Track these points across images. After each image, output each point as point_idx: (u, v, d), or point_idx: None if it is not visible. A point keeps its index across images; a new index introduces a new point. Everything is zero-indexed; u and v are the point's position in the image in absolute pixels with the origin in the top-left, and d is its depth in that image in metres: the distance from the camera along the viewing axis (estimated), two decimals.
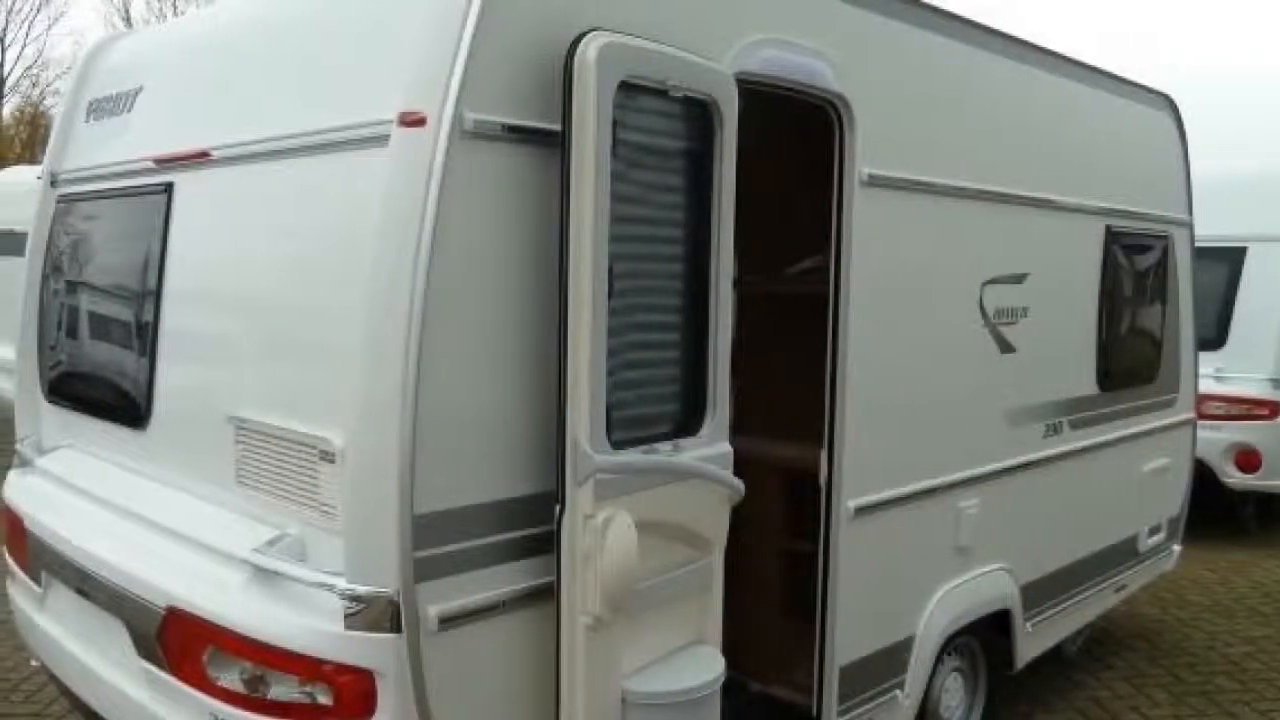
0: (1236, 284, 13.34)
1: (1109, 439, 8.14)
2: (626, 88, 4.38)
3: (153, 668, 4.90)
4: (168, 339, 5.51)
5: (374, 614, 4.09)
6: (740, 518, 5.24)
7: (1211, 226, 11.12)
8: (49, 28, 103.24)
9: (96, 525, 5.52)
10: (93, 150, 6.32)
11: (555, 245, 4.33)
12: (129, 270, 5.81)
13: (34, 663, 6.36)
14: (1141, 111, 8.55)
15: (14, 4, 66.76)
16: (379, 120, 4.22)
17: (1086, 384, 7.89)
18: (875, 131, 5.77)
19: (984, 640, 7.20)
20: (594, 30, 4.30)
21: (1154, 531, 9.05)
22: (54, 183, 6.60)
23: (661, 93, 4.56)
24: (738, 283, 5.12)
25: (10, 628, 6.54)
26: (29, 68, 72.23)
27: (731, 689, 5.13)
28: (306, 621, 4.25)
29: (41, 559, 5.89)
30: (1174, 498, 9.39)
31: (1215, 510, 12.72)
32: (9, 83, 67.02)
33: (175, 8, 59.19)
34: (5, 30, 65.81)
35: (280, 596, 4.39)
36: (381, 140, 4.19)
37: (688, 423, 4.95)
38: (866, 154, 5.72)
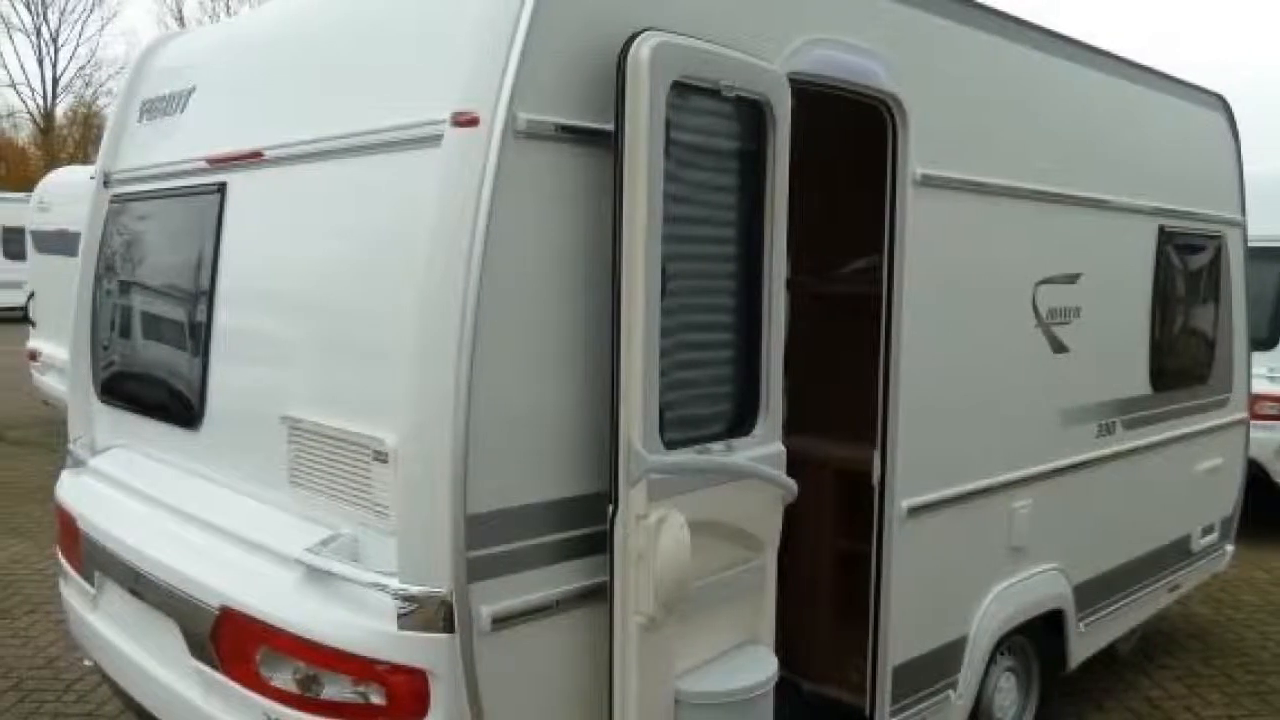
0: None
1: (1162, 439, 8.10)
2: (679, 87, 4.36)
3: (206, 668, 4.91)
4: (221, 339, 5.53)
5: (427, 614, 4.08)
6: (793, 517, 5.22)
7: (1265, 227, 11.04)
8: (102, 28, 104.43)
9: (149, 525, 5.54)
10: (146, 150, 6.35)
11: (608, 245, 4.32)
12: (182, 270, 5.84)
13: (87, 663, 6.37)
14: (1195, 112, 8.50)
15: (67, 4, 67.39)
16: (432, 120, 4.22)
17: (1139, 384, 7.84)
18: (928, 131, 5.75)
19: (1037, 640, 7.16)
20: (647, 30, 4.29)
21: (1207, 531, 9.00)
22: (107, 183, 6.63)
23: (714, 93, 4.55)
24: (790, 282, 5.11)
25: (63, 628, 6.55)
26: (82, 68, 72.98)
27: (784, 689, 5.11)
28: (360, 621, 4.25)
29: (94, 559, 5.91)
30: (1227, 498, 9.34)
31: (1268, 511, 12.63)
32: (62, 82, 67.71)
33: (228, 8, 59.65)
34: (58, 30, 66.45)
35: (333, 596, 4.39)
36: (435, 140, 4.19)
37: (741, 422, 4.93)
38: (919, 154, 5.69)
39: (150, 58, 6.67)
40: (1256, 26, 78.04)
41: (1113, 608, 7.78)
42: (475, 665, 4.11)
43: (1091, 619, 7.49)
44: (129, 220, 6.44)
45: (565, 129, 4.25)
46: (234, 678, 4.74)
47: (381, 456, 4.40)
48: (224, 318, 5.52)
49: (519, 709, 4.32)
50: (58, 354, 15.03)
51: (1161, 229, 7.93)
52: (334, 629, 4.30)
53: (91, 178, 6.82)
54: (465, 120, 4.08)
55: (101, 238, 6.63)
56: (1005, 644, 6.74)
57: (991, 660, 6.59)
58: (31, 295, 18.47)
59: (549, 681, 4.42)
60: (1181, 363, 8.40)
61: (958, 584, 6.32)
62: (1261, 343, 12.36)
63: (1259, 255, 10.50)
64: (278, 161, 5.26)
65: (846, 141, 6.16)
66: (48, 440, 17.52)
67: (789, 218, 4.96)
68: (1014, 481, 6.57)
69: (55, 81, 68.14)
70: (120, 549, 5.58)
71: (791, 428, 5.21)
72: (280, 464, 4.99)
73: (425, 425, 4.07)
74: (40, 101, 68.19)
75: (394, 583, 4.14)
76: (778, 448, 5.04)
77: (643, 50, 4.21)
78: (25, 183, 41.64)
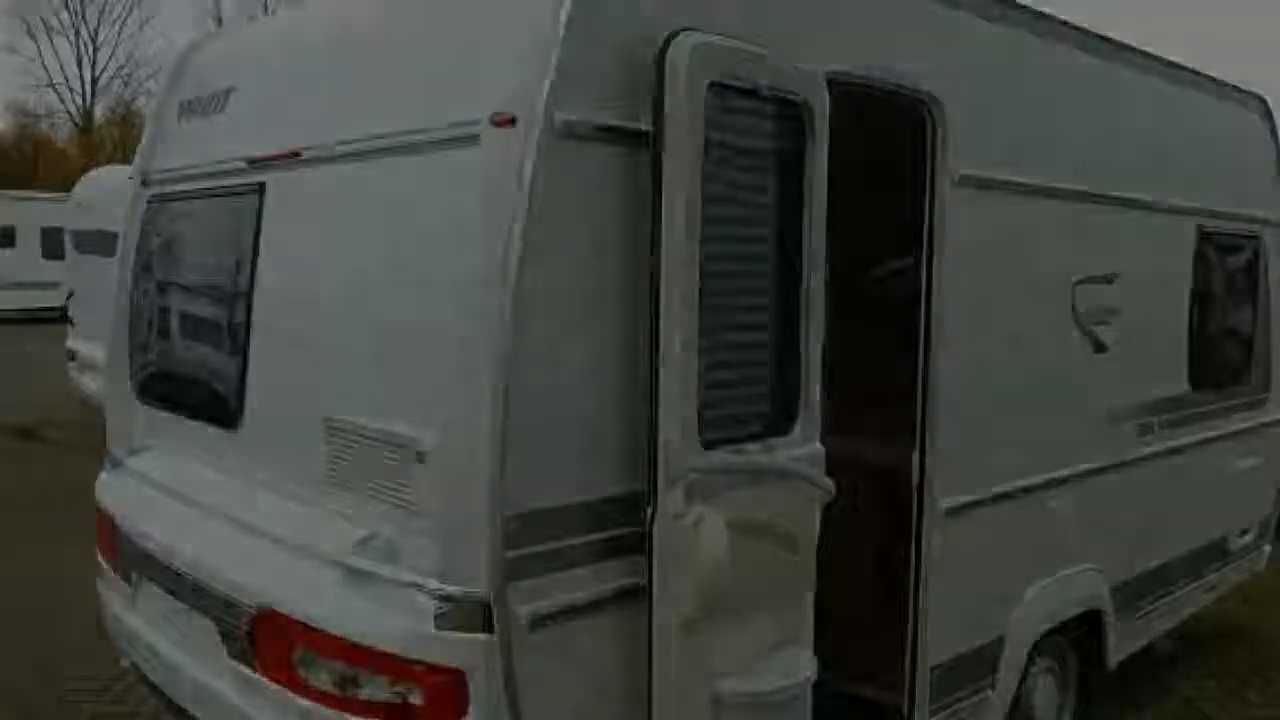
0: None
1: (1200, 439, 8.06)
2: (717, 88, 4.35)
3: (243, 667, 4.93)
4: (259, 339, 5.53)
5: (465, 614, 4.09)
6: (831, 517, 5.21)
7: None
8: (141, 28, 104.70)
9: (187, 525, 5.56)
10: (184, 150, 6.35)
11: (646, 245, 4.31)
12: (220, 270, 5.85)
13: (124, 662, 6.38)
14: (1233, 112, 8.47)
15: (106, 4, 67.73)
16: (470, 120, 4.23)
17: (1178, 384, 7.81)
18: (966, 131, 5.73)
19: (1075, 640, 7.14)
20: (685, 30, 4.29)
21: (1245, 532, 8.97)
22: (145, 182, 6.64)
23: (752, 93, 4.54)
24: (828, 282, 5.09)
25: (101, 627, 6.56)
26: (121, 67, 73.47)
27: (822, 688, 5.12)
28: (398, 621, 4.25)
29: (132, 559, 5.93)
30: (1265, 498, 9.31)
31: None
32: (101, 82, 68.07)
33: (266, 8, 59.82)
34: (97, 30, 66.80)
35: (371, 596, 4.40)
36: (472, 140, 4.20)
37: (779, 422, 4.92)
38: (958, 154, 5.68)
39: (189, 58, 6.68)
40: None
41: (1151, 608, 7.76)
42: (513, 665, 4.11)
43: (1130, 619, 7.46)
44: (167, 220, 6.45)
45: (603, 129, 4.25)
46: (271, 677, 4.75)
47: (420, 457, 4.40)
48: (262, 318, 5.52)
49: (557, 709, 4.32)
50: (96, 354, 15.07)
51: (1200, 229, 7.90)
52: (372, 629, 4.31)
53: (130, 177, 6.83)
54: (503, 120, 4.09)
55: (140, 238, 6.64)
56: (1043, 644, 6.71)
57: (1029, 660, 6.57)
58: (70, 295, 18.52)
59: (587, 682, 4.43)
60: (1220, 362, 8.37)
61: (995, 584, 6.30)
62: None
63: None
64: (316, 161, 5.26)
65: (885, 141, 6.14)
66: (86, 440, 17.55)
67: (827, 217, 4.95)
68: (1052, 481, 6.55)
69: (94, 81, 68.61)
70: (158, 548, 5.60)
71: (829, 428, 5.19)
72: (318, 464, 5.00)
73: (463, 426, 4.08)
74: (79, 101, 68.66)
75: (432, 583, 4.15)
76: (816, 448, 5.03)
77: (681, 50, 4.20)
78: (64, 183, 41.76)
